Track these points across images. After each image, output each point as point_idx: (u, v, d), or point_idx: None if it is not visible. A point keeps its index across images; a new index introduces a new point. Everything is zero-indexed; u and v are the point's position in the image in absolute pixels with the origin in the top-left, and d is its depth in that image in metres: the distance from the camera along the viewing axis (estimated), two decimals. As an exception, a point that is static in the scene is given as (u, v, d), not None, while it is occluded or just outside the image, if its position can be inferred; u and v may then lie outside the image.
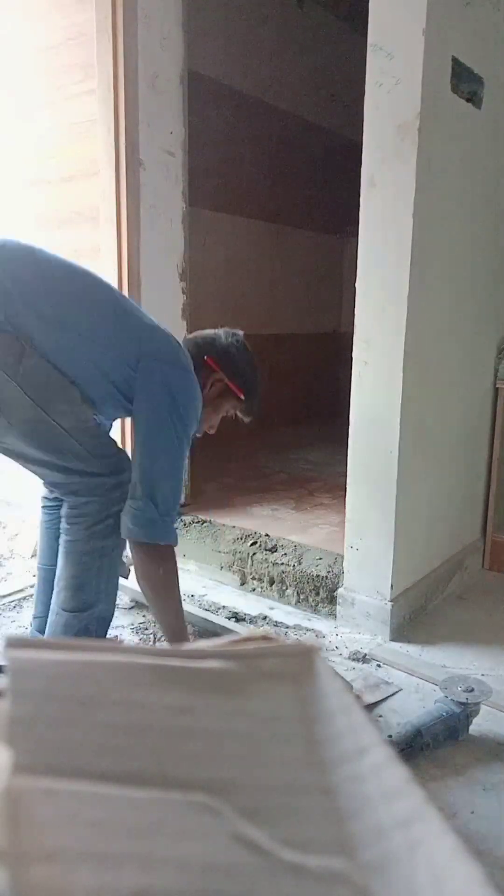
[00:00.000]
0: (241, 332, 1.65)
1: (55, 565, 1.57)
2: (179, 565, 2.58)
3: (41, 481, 1.66)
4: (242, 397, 1.63)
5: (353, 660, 1.83)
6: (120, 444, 1.57)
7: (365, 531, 1.98)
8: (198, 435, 1.60)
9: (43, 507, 1.77)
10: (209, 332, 1.66)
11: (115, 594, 1.59)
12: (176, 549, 1.55)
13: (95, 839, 0.23)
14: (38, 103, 2.56)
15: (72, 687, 0.28)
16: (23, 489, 2.35)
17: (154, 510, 1.43)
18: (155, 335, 1.49)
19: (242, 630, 2.01)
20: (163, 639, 1.71)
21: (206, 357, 1.59)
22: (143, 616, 2.05)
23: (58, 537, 1.55)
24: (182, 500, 2.64)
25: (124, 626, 1.98)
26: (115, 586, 1.58)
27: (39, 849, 0.23)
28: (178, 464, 1.47)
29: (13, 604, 2.14)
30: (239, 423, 1.72)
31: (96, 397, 1.43)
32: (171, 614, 1.56)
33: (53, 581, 1.56)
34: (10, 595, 2.18)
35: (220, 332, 1.64)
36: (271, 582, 2.24)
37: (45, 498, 1.76)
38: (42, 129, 2.56)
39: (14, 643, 0.29)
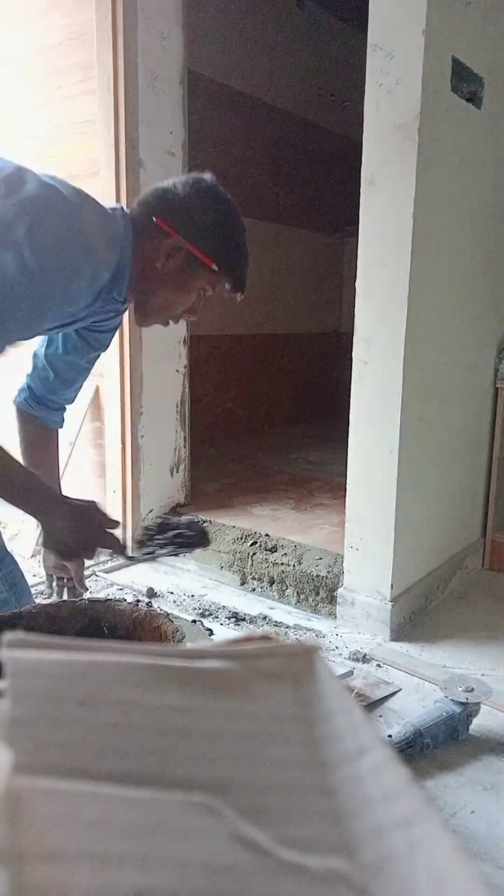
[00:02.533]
0: (208, 176, 1.20)
1: None
2: (180, 565, 2.57)
3: None
4: (215, 267, 1.19)
5: (353, 660, 1.83)
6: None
7: (365, 531, 1.98)
8: (168, 323, 1.27)
9: None
10: (163, 183, 1.20)
11: None
12: None
13: (95, 839, 0.23)
14: (38, 103, 2.56)
15: (72, 687, 0.28)
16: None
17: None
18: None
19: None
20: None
21: (155, 218, 1.15)
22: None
23: None
24: (182, 500, 2.54)
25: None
26: None
27: (39, 849, 0.23)
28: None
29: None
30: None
31: None
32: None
33: None
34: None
35: (178, 180, 1.19)
36: (271, 582, 2.24)
37: None
38: (42, 129, 2.56)
39: (14, 643, 0.29)
